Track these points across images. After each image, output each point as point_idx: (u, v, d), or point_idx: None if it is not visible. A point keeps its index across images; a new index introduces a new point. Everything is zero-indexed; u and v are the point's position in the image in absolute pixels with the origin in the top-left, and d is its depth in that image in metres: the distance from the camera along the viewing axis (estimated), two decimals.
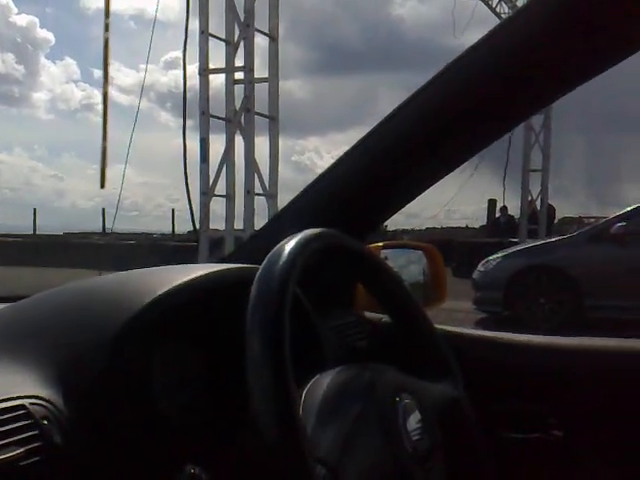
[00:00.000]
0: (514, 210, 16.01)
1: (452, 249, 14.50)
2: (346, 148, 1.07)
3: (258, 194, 8.57)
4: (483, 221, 20.00)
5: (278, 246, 0.69)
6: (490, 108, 0.96)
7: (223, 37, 8.72)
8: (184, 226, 18.53)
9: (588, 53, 0.88)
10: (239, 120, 8.56)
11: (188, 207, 8.38)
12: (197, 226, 8.54)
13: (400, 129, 1.01)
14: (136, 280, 0.83)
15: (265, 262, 0.68)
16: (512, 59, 0.91)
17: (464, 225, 23.86)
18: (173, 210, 20.00)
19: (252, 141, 8.62)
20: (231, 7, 8.60)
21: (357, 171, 1.07)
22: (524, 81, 0.92)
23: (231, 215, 8.58)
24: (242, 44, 8.65)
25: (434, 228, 21.88)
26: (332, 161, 1.10)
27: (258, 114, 8.64)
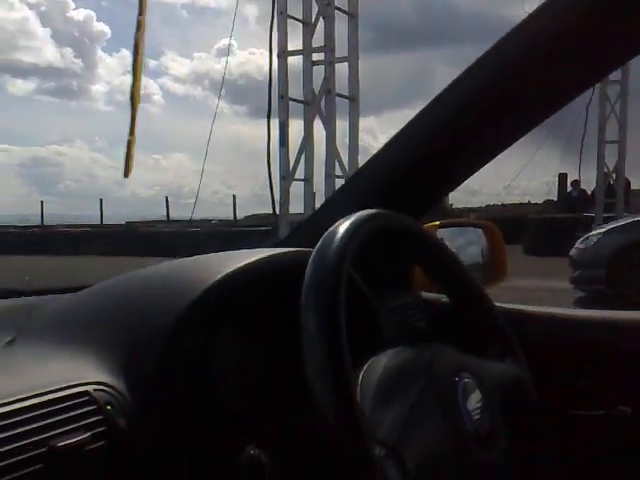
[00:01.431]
0: (585, 184, 15.52)
1: (523, 226, 14.16)
2: (399, 125, 1.06)
3: (338, 176, 8.46)
4: (545, 197, 19.49)
5: (332, 228, 0.69)
6: (544, 83, 0.93)
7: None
8: (241, 211, 18.86)
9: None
10: (319, 102, 8.48)
11: (269, 192, 8.41)
12: (277, 210, 8.57)
13: (453, 107, 1.00)
14: (193, 266, 0.85)
15: (319, 244, 0.68)
16: (563, 30, 0.88)
17: (526, 201, 23.27)
18: (234, 196, 20.32)
19: (333, 123, 8.50)
20: None
21: (410, 150, 1.05)
22: (576, 55, 0.89)
23: (309, 199, 8.53)
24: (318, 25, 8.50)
25: (494, 205, 21.41)
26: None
27: (338, 95, 8.53)
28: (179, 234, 16.07)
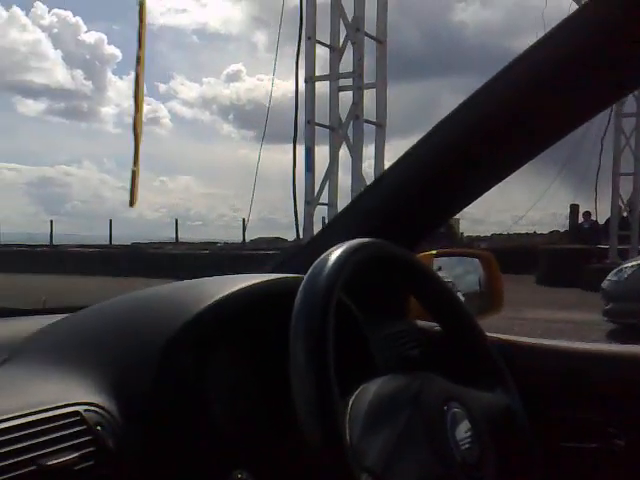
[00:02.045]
0: (595, 216, 15.46)
1: (533, 256, 14.10)
2: (392, 155, 1.07)
3: None
4: (552, 227, 19.47)
5: (323, 256, 0.70)
6: (549, 109, 0.93)
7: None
8: (247, 234, 18.87)
9: None
10: (346, 128, 8.53)
11: (294, 215, 8.44)
12: (300, 234, 8.58)
13: (451, 137, 1.00)
14: (187, 289, 0.86)
15: (310, 271, 0.68)
16: (572, 55, 0.87)
17: (532, 231, 23.26)
18: (244, 220, 20.33)
19: (360, 149, 8.54)
20: (339, 12, 8.53)
21: (408, 179, 1.06)
22: (583, 79, 0.89)
23: None
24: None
25: (500, 234, 21.41)
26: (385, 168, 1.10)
27: (365, 121, 8.57)
28: (192, 256, 16.09)
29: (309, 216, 8.56)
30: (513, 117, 0.95)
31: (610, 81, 0.90)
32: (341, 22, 8.59)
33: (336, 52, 8.60)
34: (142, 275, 12.02)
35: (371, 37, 8.69)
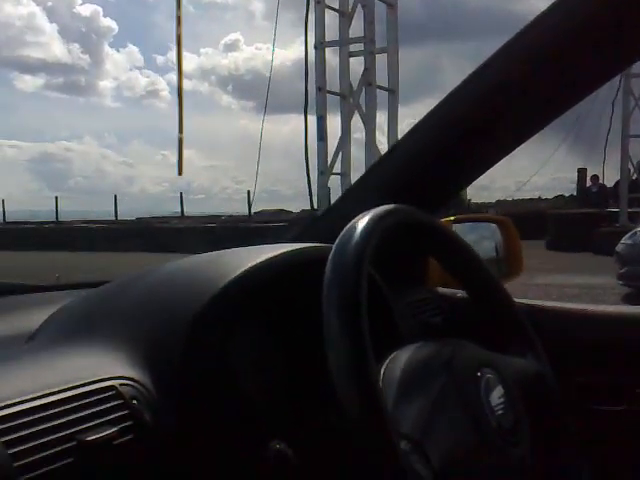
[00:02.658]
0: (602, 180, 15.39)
1: (541, 222, 14.06)
2: (411, 122, 1.07)
3: None
4: (557, 192, 19.41)
5: (351, 224, 0.69)
6: (561, 77, 0.93)
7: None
8: (245, 207, 18.91)
9: None
10: (358, 95, 8.39)
11: (307, 186, 8.39)
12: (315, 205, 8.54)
13: (468, 102, 0.99)
14: (214, 261, 0.85)
15: (338, 240, 0.68)
16: (583, 22, 0.87)
17: (537, 196, 23.21)
18: (249, 192, 20.29)
19: (373, 116, 8.41)
20: None
21: (425, 145, 1.05)
22: (594, 46, 0.88)
23: None
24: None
25: (505, 200, 21.38)
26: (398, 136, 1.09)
27: (378, 87, 8.43)
28: (199, 230, 16.11)
29: (323, 186, 8.50)
30: (525, 84, 0.94)
31: (619, 47, 0.89)
32: None
33: (346, 17, 8.46)
34: (150, 250, 12.05)
35: (382, 0, 8.52)
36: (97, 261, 11.29)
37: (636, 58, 0.98)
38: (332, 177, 8.59)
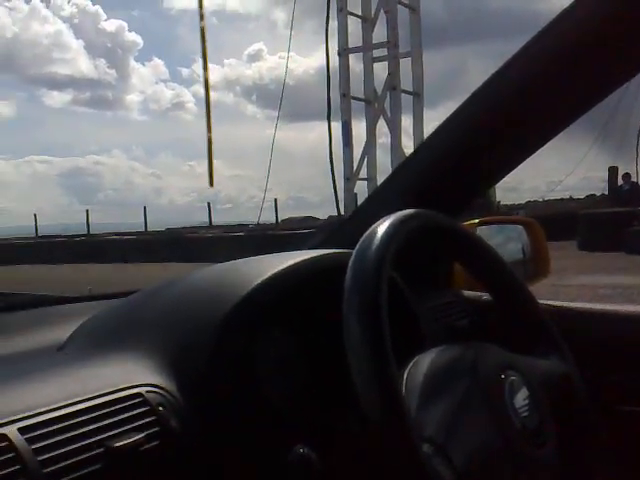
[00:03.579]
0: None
1: (573, 222, 13.88)
2: (436, 125, 1.07)
3: None
4: (588, 191, 19.12)
5: (371, 229, 0.70)
6: (582, 76, 0.92)
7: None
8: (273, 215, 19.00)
9: None
10: (383, 100, 8.41)
11: (333, 192, 8.40)
12: (341, 211, 8.54)
13: (489, 104, 0.99)
14: (237, 270, 0.87)
15: (359, 246, 0.68)
16: (609, 18, 0.86)
17: (567, 196, 22.89)
18: (276, 200, 20.39)
19: (399, 121, 8.47)
20: None
21: (448, 148, 1.05)
22: (621, 42, 0.87)
23: None
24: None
25: (535, 201, 21.13)
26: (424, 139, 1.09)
27: (403, 91, 8.48)
28: (228, 239, 16.21)
29: (350, 191, 8.50)
30: (547, 84, 0.93)
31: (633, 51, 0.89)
32: None
33: (368, 22, 8.48)
34: (181, 260, 12.14)
35: (405, 5, 8.53)
36: (128, 272, 11.42)
37: None
38: (358, 182, 8.59)
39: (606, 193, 18.73)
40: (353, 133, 8.68)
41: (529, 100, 0.96)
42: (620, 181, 16.16)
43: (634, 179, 15.46)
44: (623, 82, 0.95)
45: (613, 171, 17.65)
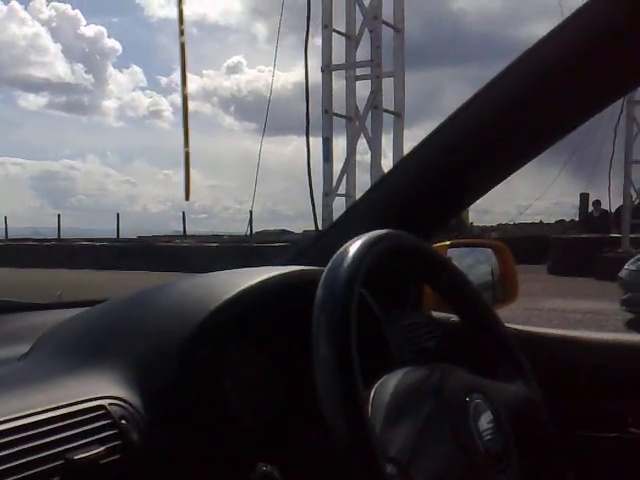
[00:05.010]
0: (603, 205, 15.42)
1: (545, 246, 14.11)
2: (412, 144, 1.07)
3: None
4: (558, 216, 19.48)
5: (343, 248, 0.70)
6: (560, 102, 0.93)
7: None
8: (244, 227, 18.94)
9: None
10: (364, 118, 8.44)
11: (311, 206, 8.40)
12: (319, 226, 8.53)
13: (466, 127, 1.00)
14: (207, 283, 0.86)
15: (330, 264, 0.69)
16: (586, 45, 0.88)
17: (538, 221, 23.28)
18: (251, 212, 20.31)
19: (379, 140, 8.46)
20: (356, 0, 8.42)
21: (422, 170, 1.06)
22: (597, 69, 0.89)
23: None
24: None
25: (507, 224, 21.47)
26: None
27: (384, 111, 8.50)
28: (201, 249, 16.11)
29: (328, 207, 8.52)
30: (526, 107, 0.95)
31: (621, 72, 0.90)
32: (357, 10, 8.51)
33: (352, 40, 8.53)
34: (152, 269, 12.04)
35: (388, 25, 8.60)
36: (99, 279, 11.27)
37: (634, 85, 0.99)
38: (337, 199, 8.62)
39: (576, 219, 19.09)
40: (333, 150, 8.72)
41: (505, 123, 0.97)
42: (591, 207, 16.45)
43: (606, 206, 15.74)
44: (599, 111, 0.97)
45: (584, 198, 17.99)
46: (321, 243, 1.15)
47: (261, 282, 0.81)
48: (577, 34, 0.88)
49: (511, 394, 0.84)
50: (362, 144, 8.59)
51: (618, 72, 0.90)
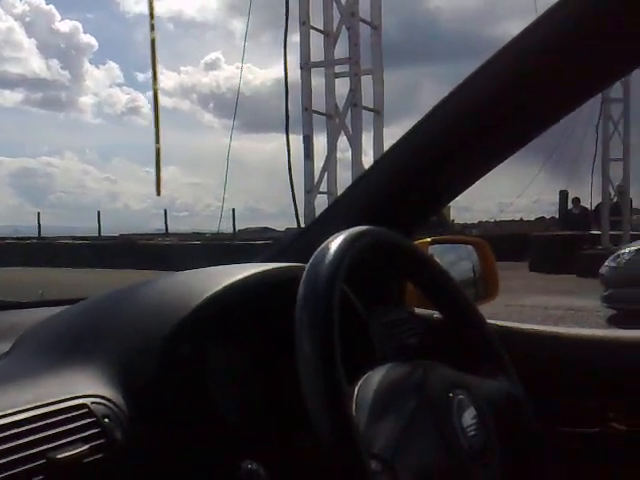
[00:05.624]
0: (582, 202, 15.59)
1: (525, 243, 14.23)
2: (391, 142, 1.08)
3: None
4: (538, 214, 19.69)
5: (324, 244, 0.70)
6: (538, 97, 0.94)
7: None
8: (229, 224, 18.92)
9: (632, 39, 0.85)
10: (344, 116, 8.42)
11: (292, 204, 8.38)
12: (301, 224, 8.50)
13: (445, 123, 1.01)
14: (187, 281, 0.86)
15: (311, 261, 0.69)
16: (562, 42, 0.88)
17: (518, 218, 23.49)
18: (233, 210, 20.23)
19: (360, 137, 8.43)
20: None
21: (402, 166, 1.06)
22: (573, 65, 0.90)
23: None
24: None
25: (487, 222, 21.66)
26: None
27: (364, 108, 8.46)
28: (184, 247, 16.02)
29: (310, 204, 8.51)
30: (504, 104, 0.95)
31: (598, 69, 0.91)
32: (334, 7, 8.48)
33: (330, 38, 8.50)
34: (135, 267, 11.95)
35: (366, 22, 8.58)
36: (80, 278, 11.17)
37: (611, 80, 1.00)
38: (319, 196, 8.61)
39: (556, 216, 19.28)
40: (314, 147, 8.71)
41: (482, 121, 0.97)
42: (570, 205, 16.61)
43: (588, 203, 15.90)
44: (574, 108, 0.97)
45: (563, 195, 18.17)
46: (303, 240, 1.15)
47: (242, 279, 0.81)
48: (551, 31, 0.89)
49: (494, 390, 0.84)
50: (343, 141, 8.58)
51: (592, 69, 0.91)
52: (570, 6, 0.87)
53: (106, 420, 0.66)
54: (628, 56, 0.89)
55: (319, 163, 8.65)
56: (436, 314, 1.13)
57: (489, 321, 0.97)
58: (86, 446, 0.62)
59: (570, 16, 0.87)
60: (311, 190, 8.53)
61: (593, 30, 0.86)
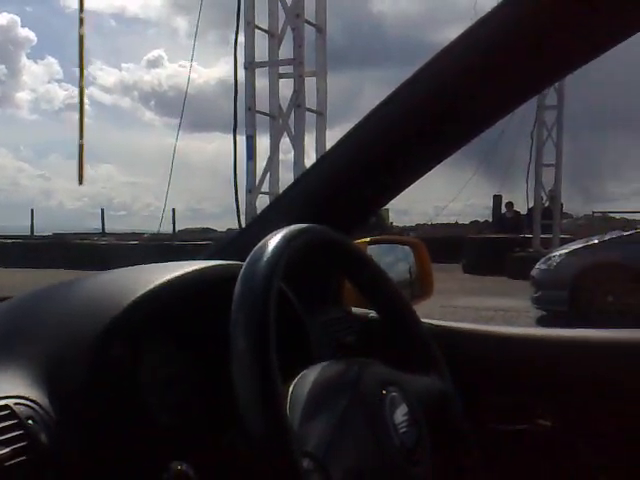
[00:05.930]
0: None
1: (460, 245, 14.57)
2: (332, 145, 1.08)
3: None
4: (472, 217, 20.26)
5: (261, 243, 0.70)
6: (476, 100, 0.96)
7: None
8: (169, 226, 18.72)
9: (580, 37, 0.87)
10: (287, 116, 8.41)
11: (235, 204, 8.33)
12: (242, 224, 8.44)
13: (384, 124, 1.02)
14: (120, 279, 0.84)
15: (249, 259, 0.68)
16: (499, 46, 0.90)
17: (454, 221, 24.08)
18: (174, 210, 19.94)
19: (302, 138, 8.41)
20: None
21: (342, 167, 1.07)
22: (509, 70, 0.92)
23: None
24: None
25: (424, 224, 22.12)
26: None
27: (307, 110, 8.48)
28: (121, 247, 15.67)
29: (252, 204, 8.49)
30: (440, 107, 0.97)
31: (532, 74, 0.93)
32: (280, 8, 8.48)
33: (275, 38, 8.49)
34: (68, 267, 11.63)
35: (311, 24, 8.61)
36: (11, 278, 10.78)
37: (545, 84, 1.03)
38: (261, 197, 8.60)
39: (490, 220, 19.83)
40: (257, 148, 8.69)
41: (418, 124, 0.99)
42: (504, 209, 17.12)
43: (523, 208, 16.37)
44: (508, 112, 1.00)
45: (497, 199, 18.71)
46: (242, 239, 1.14)
47: (178, 277, 0.80)
48: (487, 35, 0.91)
49: (425, 386, 0.86)
50: (286, 143, 8.60)
51: (527, 74, 0.93)
52: (506, 11, 0.89)
53: (30, 422, 0.63)
54: (561, 62, 0.92)
55: (262, 163, 8.64)
56: (372, 313, 1.14)
57: (425, 320, 0.99)
58: (8, 449, 0.60)
59: (506, 21, 0.89)
60: (253, 190, 8.51)
61: (528, 35, 0.88)
